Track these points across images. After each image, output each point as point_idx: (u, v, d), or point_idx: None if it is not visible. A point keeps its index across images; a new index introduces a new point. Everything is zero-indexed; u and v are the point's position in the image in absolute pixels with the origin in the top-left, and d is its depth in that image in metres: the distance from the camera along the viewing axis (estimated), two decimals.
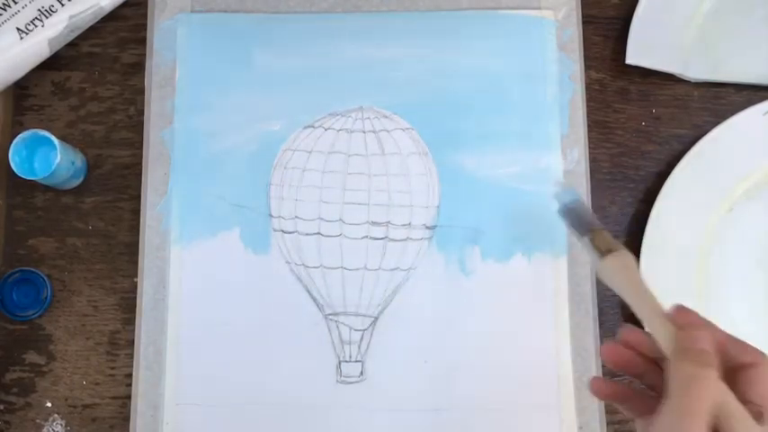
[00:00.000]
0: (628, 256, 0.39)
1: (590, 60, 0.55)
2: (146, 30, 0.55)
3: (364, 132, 0.53)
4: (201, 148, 0.53)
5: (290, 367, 0.51)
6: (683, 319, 0.35)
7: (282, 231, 0.52)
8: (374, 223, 0.52)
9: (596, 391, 0.38)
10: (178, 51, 0.54)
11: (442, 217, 0.52)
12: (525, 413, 0.50)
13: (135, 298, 0.52)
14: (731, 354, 0.34)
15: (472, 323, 0.51)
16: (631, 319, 0.52)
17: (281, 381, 0.51)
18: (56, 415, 0.51)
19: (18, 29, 0.51)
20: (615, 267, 0.39)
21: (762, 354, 0.34)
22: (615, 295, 0.53)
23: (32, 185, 0.52)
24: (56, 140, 0.49)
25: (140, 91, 0.54)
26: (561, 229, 0.52)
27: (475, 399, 0.50)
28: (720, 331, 0.35)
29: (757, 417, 0.32)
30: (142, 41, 0.55)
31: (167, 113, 0.53)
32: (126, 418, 0.50)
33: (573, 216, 0.45)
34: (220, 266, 0.52)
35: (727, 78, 0.54)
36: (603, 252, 0.40)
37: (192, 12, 0.55)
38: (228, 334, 0.51)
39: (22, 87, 0.55)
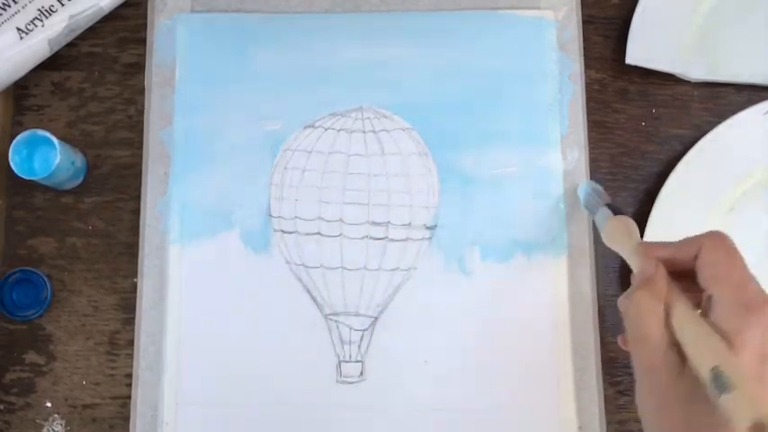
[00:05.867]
0: (629, 220, 0.44)
1: (590, 60, 0.55)
2: (145, 30, 0.55)
3: (364, 132, 0.53)
4: (201, 148, 0.53)
5: (290, 367, 0.51)
6: (646, 252, 0.40)
7: (282, 231, 0.52)
8: (374, 223, 0.52)
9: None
10: (178, 51, 0.54)
11: (442, 217, 0.52)
12: (525, 413, 0.50)
13: (135, 298, 0.52)
14: (681, 258, 0.38)
15: (472, 323, 0.51)
16: None
17: (281, 381, 0.51)
18: (56, 415, 0.51)
19: (18, 29, 0.51)
20: (617, 226, 0.44)
21: (699, 240, 0.38)
22: (615, 295, 0.53)
23: (32, 185, 0.52)
24: (56, 140, 0.49)
25: (140, 91, 0.54)
26: (561, 229, 0.52)
27: (474, 399, 0.50)
28: (668, 247, 0.39)
29: (707, 302, 0.36)
30: (142, 41, 0.55)
31: (167, 113, 0.53)
32: (126, 418, 0.50)
33: (594, 195, 0.49)
34: (220, 266, 0.52)
35: (727, 78, 0.54)
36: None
37: (191, 12, 0.55)
38: (228, 334, 0.51)
39: (22, 87, 0.55)
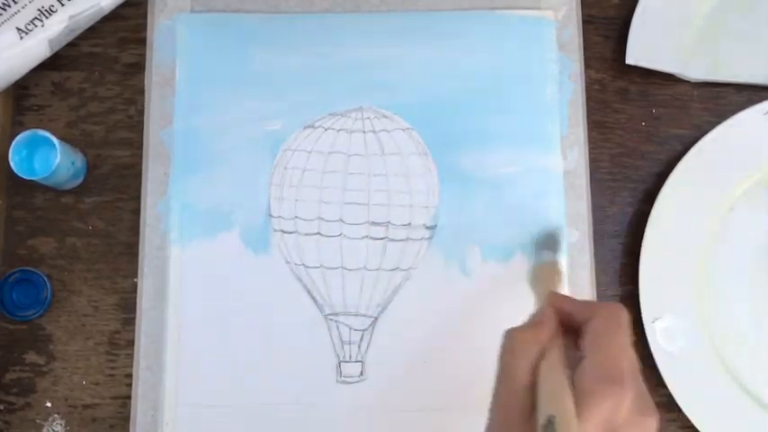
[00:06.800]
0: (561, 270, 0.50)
1: (590, 60, 0.55)
2: (146, 30, 0.55)
3: (364, 132, 0.53)
4: (201, 148, 0.53)
5: (290, 367, 0.51)
6: (551, 301, 0.41)
7: (282, 231, 0.52)
8: (374, 223, 0.52)
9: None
10: (178, 51, 0.54)
11: (442, 217, 0.52)
12: None
13: (135, 298, 0.52)
14: (578, 318, 0.38)
15: (472, 323, 0.51)
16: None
17: (281, 381, 0.51)
18: (56, 415, 0.51)
19: (18, 29, 0.51)
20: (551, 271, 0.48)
21: (598, 306, 0.39)
22: (615, 295, 0.53)
23: (32, 185, 0.52)
24: (56, 140, 0.49)
25: (140, 91, 0.54)
26: (561, 228, 0.52)
27: (475, 399, 0.50)
28: (572, 303, 0.40)
29: (578, 362, 0.36)
30: (142, 41, 0.55)
31: (167, 113, 0.53)
32: (126, 418, 0.50)
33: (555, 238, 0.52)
34: (220, 266, 0.52)
35: (727, 78, 0.54)
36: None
37: (191, 12, 0.55)
38: (228, 334, 0.51)
39: (22, 87, 0.55)
